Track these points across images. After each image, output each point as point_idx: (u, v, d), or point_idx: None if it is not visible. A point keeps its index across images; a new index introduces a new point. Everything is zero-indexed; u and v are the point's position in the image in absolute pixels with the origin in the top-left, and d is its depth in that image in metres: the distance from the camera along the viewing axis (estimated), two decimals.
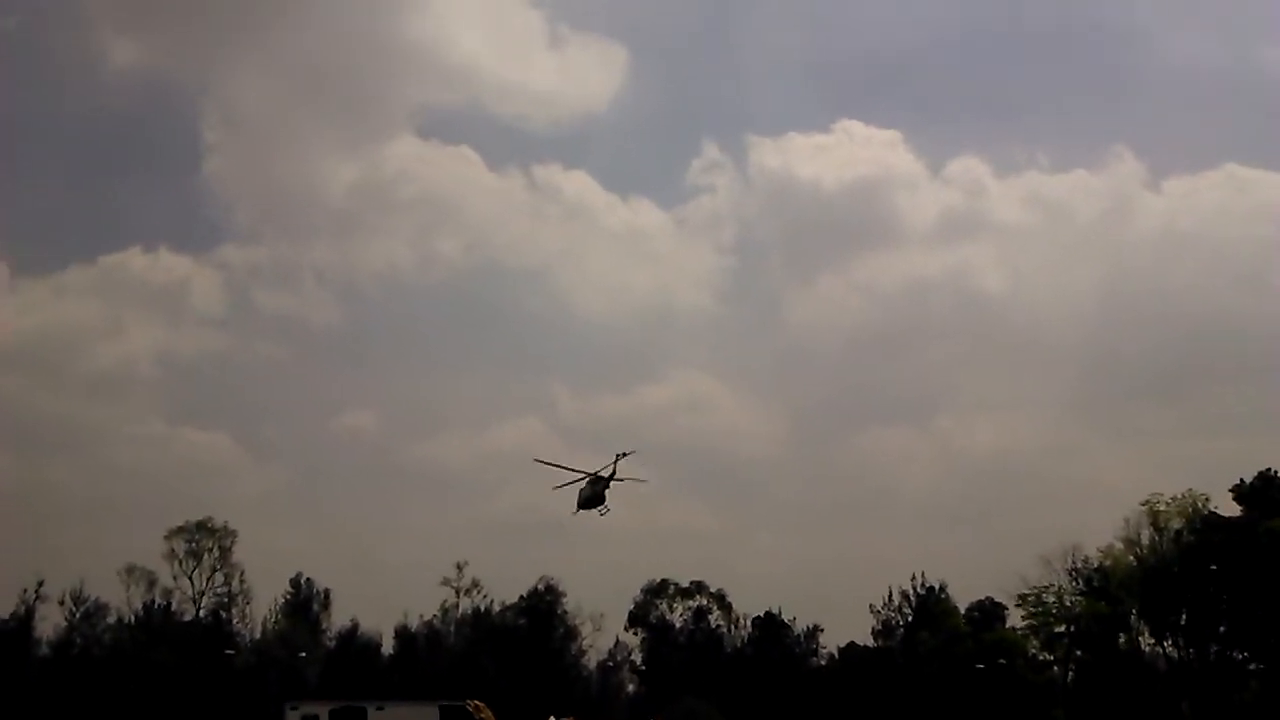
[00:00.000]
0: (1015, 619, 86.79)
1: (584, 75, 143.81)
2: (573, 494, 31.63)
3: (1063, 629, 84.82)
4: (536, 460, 30.78)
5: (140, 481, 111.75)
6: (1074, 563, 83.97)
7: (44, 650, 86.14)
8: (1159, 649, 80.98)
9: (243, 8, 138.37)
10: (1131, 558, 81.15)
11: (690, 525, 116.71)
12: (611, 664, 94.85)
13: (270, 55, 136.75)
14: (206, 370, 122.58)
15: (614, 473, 30.86)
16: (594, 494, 31.02)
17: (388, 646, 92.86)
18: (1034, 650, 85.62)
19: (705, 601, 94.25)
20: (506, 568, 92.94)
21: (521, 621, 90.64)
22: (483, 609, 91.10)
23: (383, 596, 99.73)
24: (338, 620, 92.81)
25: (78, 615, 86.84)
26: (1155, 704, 75.82)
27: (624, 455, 31.09)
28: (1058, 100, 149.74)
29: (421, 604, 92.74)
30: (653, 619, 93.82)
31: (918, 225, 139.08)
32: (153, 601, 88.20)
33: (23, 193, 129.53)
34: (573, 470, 30.94)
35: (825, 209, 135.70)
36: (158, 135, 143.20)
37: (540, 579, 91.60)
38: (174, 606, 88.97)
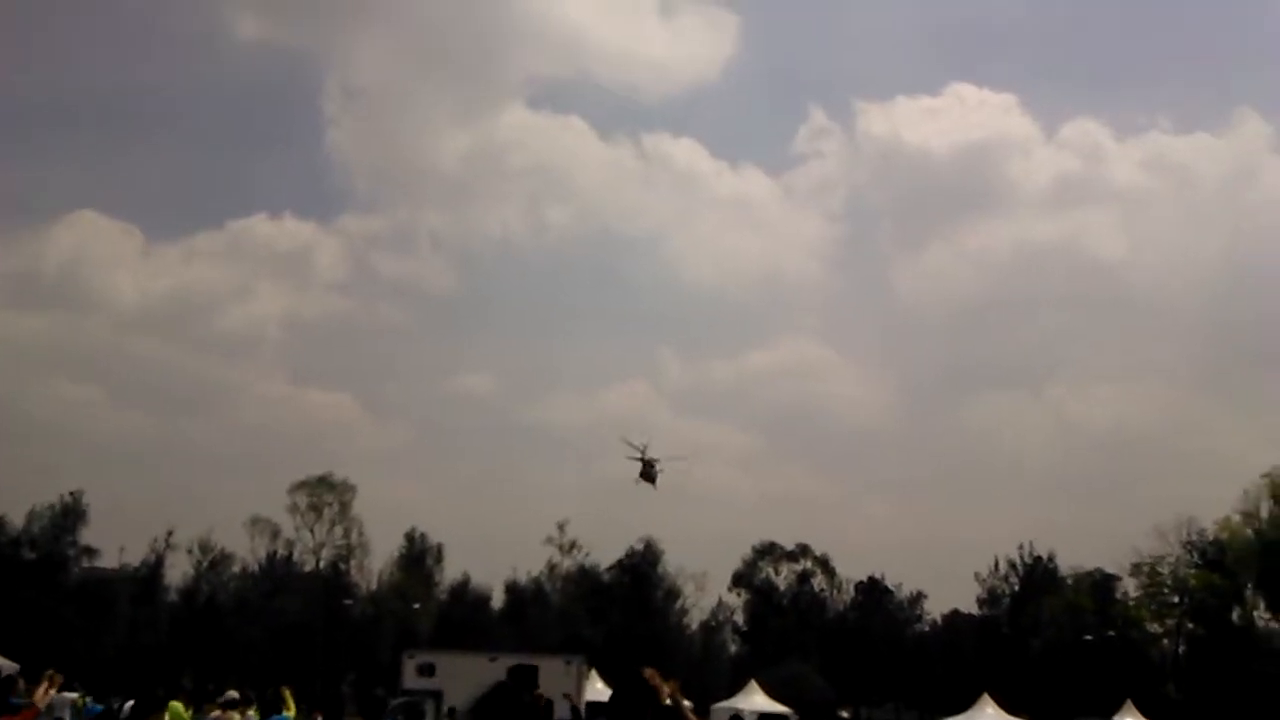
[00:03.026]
0: (1128, 590, 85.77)
1: (694, 43, 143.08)
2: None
3: (1176, 600, 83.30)
4: (623, 439, 38.37)
5: (266, 438, 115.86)
6: (1189, 535, 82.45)
7: (172, 597, 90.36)
8: (1275, 624, 79.14)
9: None
10: (1250, 531, 79.19)
11: (796, 490, 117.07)
12: (714, 624, 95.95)
13: (387, 27, 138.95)
14: (329, 333, 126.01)
15: (643, 456, 39.44)
16: (645, 474, 38.99)
17: (497, 601, 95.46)
18: (1146, 622, 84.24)
19: (809, 565, 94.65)
20: (613, 528, 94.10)
21: (624, 580, 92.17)
22: (587, 567, 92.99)
23: (494, 552, 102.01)
24: (450, 574, 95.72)
25: (205, 564, 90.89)
26: (1270, 680, 74.02)
27: (645, 447, 40.88)
28: (1180, 61, 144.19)
29: (530, 561, 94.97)
30: (757, 581, 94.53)
31: (1032, 190, 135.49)
32: (275, 552, 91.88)
33: (152, 162, 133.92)
34: (640, 456, 39.62)
35: (935, 174, 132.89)
36: (281, 105, 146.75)
37: (640, 538, 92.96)
38: (295, 557, 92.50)
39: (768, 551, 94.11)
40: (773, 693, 60.95)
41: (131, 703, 11.80)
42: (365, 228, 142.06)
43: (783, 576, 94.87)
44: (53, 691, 14.40)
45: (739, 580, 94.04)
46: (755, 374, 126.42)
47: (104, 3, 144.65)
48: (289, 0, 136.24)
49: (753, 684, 60.96)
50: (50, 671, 14.39)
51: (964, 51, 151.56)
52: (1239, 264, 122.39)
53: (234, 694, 21.54)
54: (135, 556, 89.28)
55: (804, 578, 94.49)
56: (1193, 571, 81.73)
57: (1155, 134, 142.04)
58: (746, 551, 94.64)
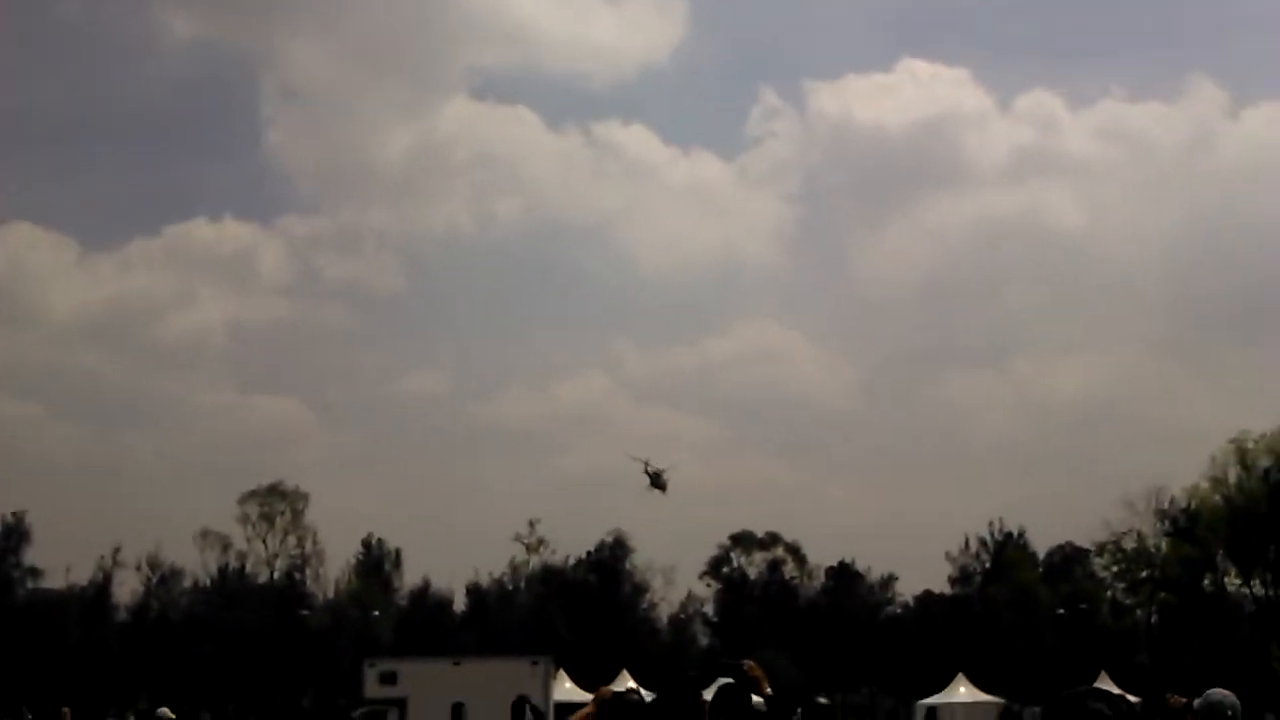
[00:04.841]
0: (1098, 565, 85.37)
1: (642, 27, 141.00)
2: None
3: (1146, 574, 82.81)
4: (628, 455, 39.89)
5: (213, 448, 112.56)
6: (1159, 504, 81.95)
7: (122, 615, 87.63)
8: (1245, 589, 78.76)
9: None
10: (1218, 497, 78.59)
11: (762, 478, 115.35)
12: (684, 617, 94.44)
13: (323, 23, 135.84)
14: (275, 337, 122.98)
15: (651, 470, 41.35)
16: (655, 483, 41.16)
17: (459, 604, 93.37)
18: (1117, 595, 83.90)
19: (780, 553, 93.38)
20: (576, 524, 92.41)
21: (591, 577, 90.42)
22: (551, 565, 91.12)
23: (453, 555, 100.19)
24: (409, 579, 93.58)
25: (154, 580, 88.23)
26: (1242, 646, 73.63)
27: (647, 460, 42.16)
28: (1131, 29, 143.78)
29: (492, 562, 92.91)
30: (726, 571, 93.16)
31: (989, 164, 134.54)
32: (227, 565, 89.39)
33: (87, 170, 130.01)
34: (647, 469, 41.30)
35: (891, 151, 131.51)
36: (218, 106, 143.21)
37: (609, 532, 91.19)
38: (248, 569, 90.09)
39: (741, 540, 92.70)
40: None
41: None
42: (309, 228, 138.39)
43: (754, 565, 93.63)
44: None
45: (713, 569, 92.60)
46: (716, 360, 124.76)
47: (30, 4, 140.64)
48: None
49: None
50: (65, 709, 13.93)
51: (913, 27, 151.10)
52: (1197, 231, 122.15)
53: (166, 711, 19.81)
54: (82, 576, 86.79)
55: (774, 566, 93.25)
56: (1164, 541, 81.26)
57: (1109, 102, 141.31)
58: (712, 541, 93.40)
